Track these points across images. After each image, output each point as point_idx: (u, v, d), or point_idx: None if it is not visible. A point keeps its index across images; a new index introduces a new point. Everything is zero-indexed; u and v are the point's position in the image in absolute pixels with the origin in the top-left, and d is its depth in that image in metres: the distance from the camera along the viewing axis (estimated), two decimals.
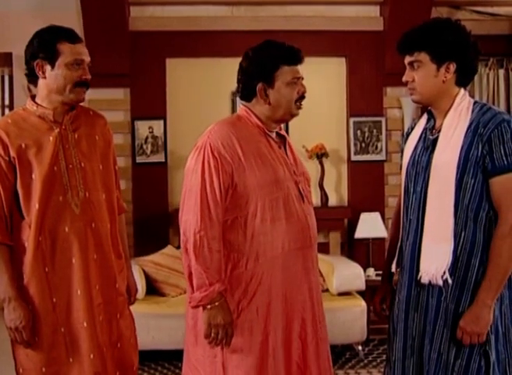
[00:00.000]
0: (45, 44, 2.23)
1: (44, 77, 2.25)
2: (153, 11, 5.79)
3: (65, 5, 5.64)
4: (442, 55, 2.04)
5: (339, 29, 5.74)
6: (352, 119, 5.81)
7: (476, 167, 1.98)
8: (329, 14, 5.81)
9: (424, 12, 5.65)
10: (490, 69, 5.98)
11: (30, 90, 5.76)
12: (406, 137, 2.30)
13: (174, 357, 4.25)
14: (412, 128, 2.29)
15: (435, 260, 2.02)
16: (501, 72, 5.98)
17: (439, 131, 2.08)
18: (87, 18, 5.53)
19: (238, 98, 5.68)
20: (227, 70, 6.20)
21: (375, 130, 5.81)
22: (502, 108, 5.98)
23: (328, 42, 5.79)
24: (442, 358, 2.04)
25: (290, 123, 5.84)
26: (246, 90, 2.29)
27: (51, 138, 2.26)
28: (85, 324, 2.24)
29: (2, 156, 2.21)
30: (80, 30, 5.69)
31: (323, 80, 5.90)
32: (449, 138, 2.03)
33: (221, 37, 5.71)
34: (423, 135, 2.17)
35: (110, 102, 5.78)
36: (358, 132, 5.83)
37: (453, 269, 2.03)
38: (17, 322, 2.18)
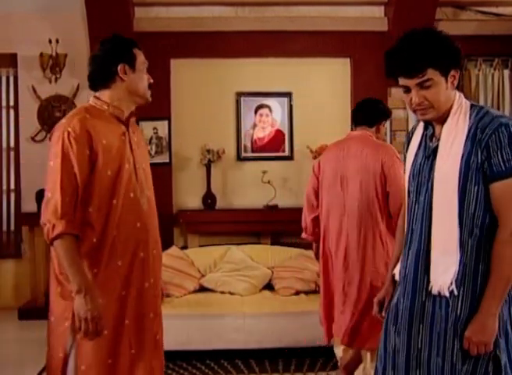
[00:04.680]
0: (126, 49, 2.38)
1: (124, 80, 2.36)
2: (157, 12, 5.81)
3: (70, 7, 5.66)
4: (447, 66, 2.02)
5: (343, 29, 5.75)
6: None
7: (478, 174, 1.97)
8: (334, 14, 5.82)
9: (429, 13, 5.66)
10: (495, 70, 5.97)
11: (35, 91, 5.81)
12: (407, 143, 2.27)
13: (178, 357, 4.28)
14: (412, 133, 2.27)
15: (443, 271, 2.01)
16: (506, 72, 5.98)
17: (439, 139, 2.06)
18: (91, 19, 5.54)
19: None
20: (231, 71, 6.23)
21: None
22: (507, 108, 5.98)
23: (332, 43, 5.80)
24: (456, 368, 2.02)
25: (295, 119, 5.87)
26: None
27: (123, 138, 2.36)
28: (151, 315, 2.36)
29: (86, 150, 2.24)
30: (84, 31, 5.72)
31: (327, 81, 5.91)
32: (450, 147, 2.01)
33: (225, 37, 5.72)
34: (423, 143, 2.16)
35: None
36: None
37: (463, 278, 2.00)
38: (94, 312, 2.16)
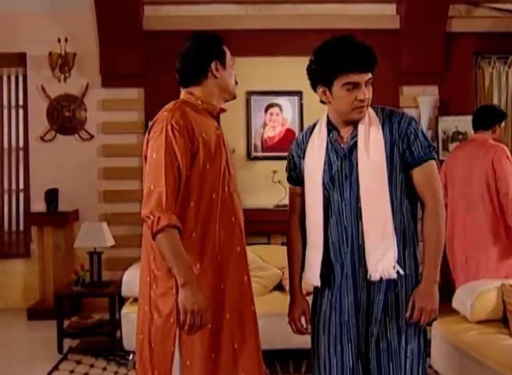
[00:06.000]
0: (216, 46, 2.43)
1: (216, 77, 2.41)
2: (167, 10, 5.83)
3: (79, 5, 5.68)
4: (375, 69, 2.21)
5: (354, 27, 5.71)
6: None
7: (400, 162, 2.19)
8: (344, 12, 5.81)
9: (442, 10, 5.63)
10: (509, 67, 5.94)
11: (44, 90, 5.83)
12: (302, 149, 2.34)
13: None
14: (306, 140, 2.34)
15: (382, 256, 2.14)
16: None
17: (353, 138, 2.19)
18: (100, 18, 5.57)
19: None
20: (242, 69, 6.18)
21: None
22: None
23: None
24: (403, 349, 2.16)
25: (306, 118, 5.83)
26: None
27: (217, 132, 2.38)
28: (252, 308, 2.39)
29: (188, 143, 2.25)
30: (93, 30, 5.75)
31: None
32: (372, 141, 2.18)
33: (235, 35, 5.70)
34: (329, 146, 2.25)
35: (124, 102, 5.81)
36: None
37: (402, 259, 2.18)
38: (201, 304, 2.16)
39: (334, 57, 2.13)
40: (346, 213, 2.20)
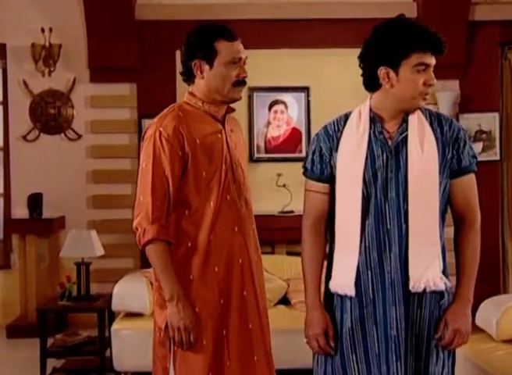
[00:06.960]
0: (203, 44, 2.38)
1: (203, 77, 2.39)
2: None
3: None
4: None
5: (366, 17, 5.69)
6: None
7: (447, 168, 2.19)
8: (356, 0, 5.79)
9: None
10: None
11: (26, 85, 5.83)
12: (335, 143, 2.26)
13: None
14: (339, 130, 2.26)
15: (429, 264, 2.12)
16: None
17: (401, 134, 2.16)
18: (88, 6, 5.55)
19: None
20: None
21: None
22: None
23: (354, 31, 5.71)
24: (436, 371, 2.15)
25: (313, 117, 5.82)
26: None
27: (219, 136, 2.40)
28: (250, 326, 2.40)
29: (178, 151, 2.30)
30: (81, 19, 5.71)
31: (348, 73, 5.84)
32: (426, 136, 2.16)
33: (236, 26, 5.55)
34: (373, 139, 2.19)
35: (114, 99, 5.79)
36: None
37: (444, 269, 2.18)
38: (187, 321, 2.24)
39: (410, 33, 2.11)
40: (390, 214, 2.14)
